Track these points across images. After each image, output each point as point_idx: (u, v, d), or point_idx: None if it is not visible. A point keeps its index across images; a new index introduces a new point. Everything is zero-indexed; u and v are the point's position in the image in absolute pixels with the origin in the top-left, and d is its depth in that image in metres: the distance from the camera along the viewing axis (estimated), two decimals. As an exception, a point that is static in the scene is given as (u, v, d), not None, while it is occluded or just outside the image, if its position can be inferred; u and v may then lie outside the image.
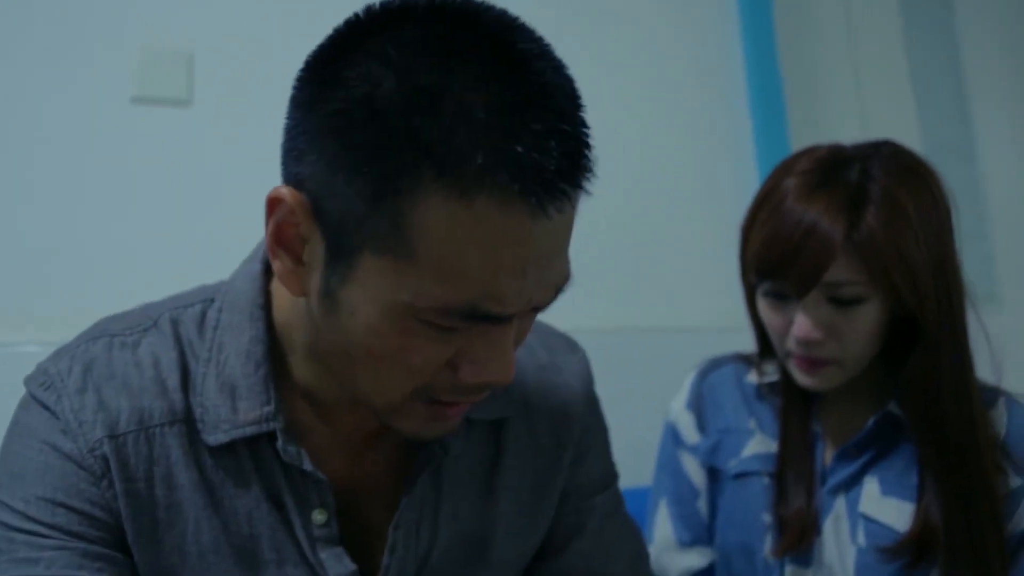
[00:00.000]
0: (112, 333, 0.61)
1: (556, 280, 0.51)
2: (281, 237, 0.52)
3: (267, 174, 1.33)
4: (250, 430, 0.57)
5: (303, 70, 0.52)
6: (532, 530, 0.71)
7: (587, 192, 0.49)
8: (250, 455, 0.59)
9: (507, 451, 0.69)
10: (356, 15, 0.51)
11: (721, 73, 1.73)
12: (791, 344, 0.86)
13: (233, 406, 0.58)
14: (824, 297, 0.83)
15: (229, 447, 0.58)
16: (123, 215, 1.27)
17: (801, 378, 0.88)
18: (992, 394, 0.88)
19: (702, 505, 0.99)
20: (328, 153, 0.48)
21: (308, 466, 0.58)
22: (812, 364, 0.86)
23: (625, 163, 1.58)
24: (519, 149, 0.44)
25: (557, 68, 0.49)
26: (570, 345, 0.79)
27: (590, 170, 0.48)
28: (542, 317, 0.85)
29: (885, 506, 0.86)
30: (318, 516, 0.59)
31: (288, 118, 0.52)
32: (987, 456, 0.83)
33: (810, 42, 1.97)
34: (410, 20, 0.48)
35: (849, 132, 1.97)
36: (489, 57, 0.46)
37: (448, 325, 0.49)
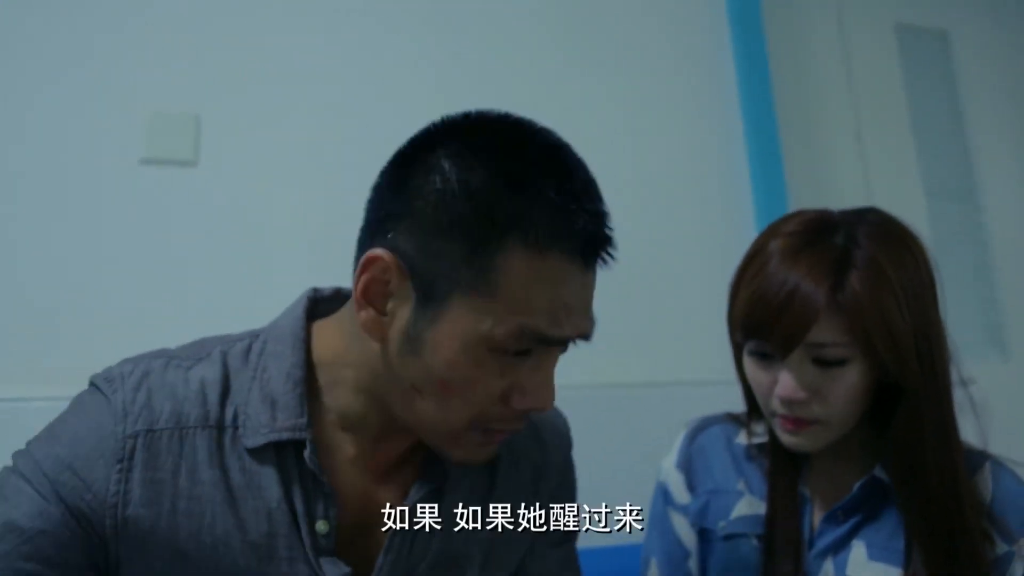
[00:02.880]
0: (171, 356, 0.71)
1: (591, 320, 0.66)
2: (369, 293, 0.64)
3: (268, 230, 1.37)
4: (285, 435, 0.67)
5: (392, 161, 0.67)
6: (500, 566, 0.78)
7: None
8: (276, 462, 0.67)
9: (497, 486, 0.78)
10: (436, 121, 0.66)
11: (718, 125, 1.74)
12: (775, 404, 0.87)
13: (272, 415, 0.67)
14: (808, 357, 0.84)
15: (262, 450, 0.67)
16: (130, 271, 1.30)
17: (786, 438, 0.89)
18: (979, 458, 0.88)
19: (692, 565, 0.99)
20: (426, 223, 0.61)
21: (325, 479, 0.67)
22: (796, 424, 0.86)
23: (621, 218, 1.60)
24: (580, 223, 0.61)
25: (589, 169, 0.66)
26: (556, 414, 0.87)
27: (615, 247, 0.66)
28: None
29: (872, 571, 0.86)
30: (321, 526, 0.67)
31: (375, 199, 0.66)
32: (972, 521, 0.82)
33: (808, 86, 1.99)
34: (483, 125, 0.65)
35: (849, 180, 1.98)
36: (551, 155, 0.63)
37: (520, 349, 0.62)
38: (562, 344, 0.65)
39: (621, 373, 1.52)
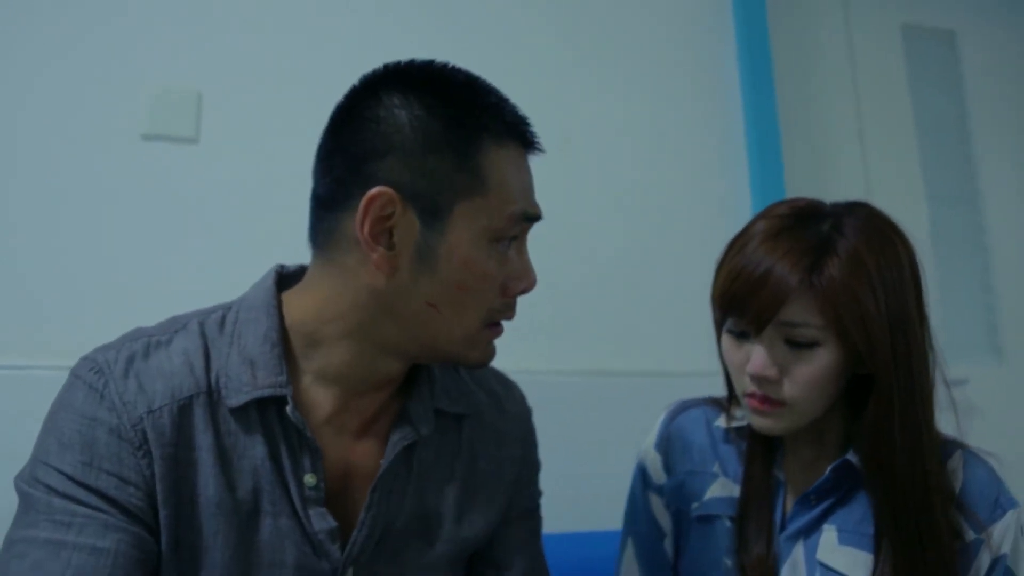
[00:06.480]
0: (149, 335, 0.74)
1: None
2: (375, 232, 0.69)
3: (267, 208, 1.39)
4: (267, 392, 0.70)
5: (331, 128, 0.74)
6: (471, 523, 0.82)
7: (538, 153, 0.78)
8: (260, 419, 0.71)
9: (464, 446, 0.84)
10: (355, 84, 0.75)
11: (719, 122, 1.75)
12: (746, 382, 0.88)
13: (253, 374, 0.71)
14: (780, 337, 0.85)
15: (244, 410, 0.71)
16: (131, 245, 1.33)
17: (755, 419, 0.90)
18: (951, 448, 0.89)
19: (668, 546, 1.00)
20: (410, 149, 0.69)
21: (308, 433, 0.71)
22: (764, 403, 0.87)
23: (620, 211, 1.62)
24: (513, 117, 0.74)
25: None
26: (515, 386, 0.94)
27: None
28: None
29: (842, 555, 0.87)
30: (309, 479, 0.71)
31: (329, 162, 0.72)
32: (939, 512, 0.83)
33: (812, 85, 1.98)
34: (404, 69, 0.74)
35: (850, 181, 1.98)
36: (470, 78, 0.74)
37: (514, 233, 0.73)
38: (536, 221, 0.75)
39: (617, 361, 1.54)
